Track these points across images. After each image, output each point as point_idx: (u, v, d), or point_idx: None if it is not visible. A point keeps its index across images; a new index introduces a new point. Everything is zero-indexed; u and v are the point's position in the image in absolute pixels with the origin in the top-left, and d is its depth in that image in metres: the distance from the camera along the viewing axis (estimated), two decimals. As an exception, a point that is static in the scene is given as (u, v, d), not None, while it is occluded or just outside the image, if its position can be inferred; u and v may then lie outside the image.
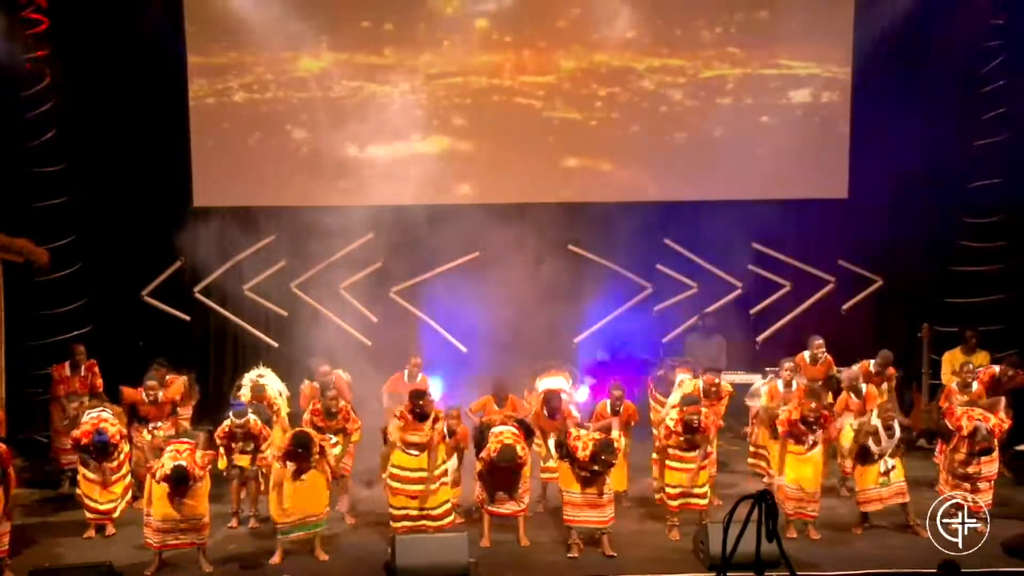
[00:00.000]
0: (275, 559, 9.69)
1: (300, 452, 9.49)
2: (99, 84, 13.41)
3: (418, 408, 9.95)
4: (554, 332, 13.74)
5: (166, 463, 9.30)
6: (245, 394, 11.06)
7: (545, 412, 10.75)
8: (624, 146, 14.31)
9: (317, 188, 13.95)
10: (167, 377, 11.41)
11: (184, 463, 9.25)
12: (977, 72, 13.86)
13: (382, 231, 13.98)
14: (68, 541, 10.29)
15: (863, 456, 10.25)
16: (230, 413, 10.45)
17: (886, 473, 10.17)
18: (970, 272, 13.99)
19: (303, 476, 9.54)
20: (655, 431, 11.03)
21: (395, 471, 9.96)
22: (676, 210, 14.11)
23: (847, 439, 11.24)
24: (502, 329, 13.53)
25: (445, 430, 10.17)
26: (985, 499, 10.19)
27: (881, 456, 10.18)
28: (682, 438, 10.16)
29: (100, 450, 10.19)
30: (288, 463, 9.52)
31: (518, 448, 9.76)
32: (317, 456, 9.59)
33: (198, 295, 14.17)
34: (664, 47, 14.17)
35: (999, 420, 10.47)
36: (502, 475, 9.86)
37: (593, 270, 14.32)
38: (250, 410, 10.47)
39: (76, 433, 10.31)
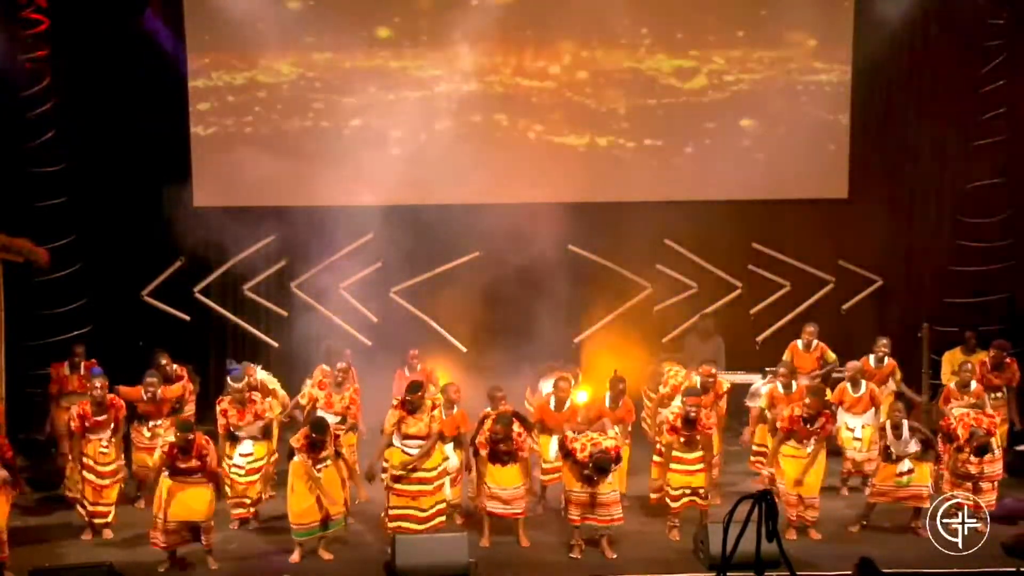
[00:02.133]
0: (294, 558, 9.74)
1: (316, 437, 9.54)
2: (99, 84, 13.40)
3: (409, 404, 9.96)
4: (554, 332, 13.72)
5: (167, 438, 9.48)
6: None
7: (552, 404, 10.78)
8: (624, 146, 14.30)
9: (317, 188, 13.93)
10: (173, 368, 11.52)
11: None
12: (977, 72, 13.86)
13: (382, 231, 13.97)
14: (68, 541, 10.30)
15: (885, 453, 10.27)
16: (228, 379, 10.63)
17: (901, 475, 10.18)
18: (970, 272, 13.98)
19: (320, 471, 9.55)
20: (645, 426, 11.04)
21: (396, 472, 9.97)
22: (676, 210, 14.09)
23: (847, 440, 11.27)
24: (502, 329, 13.53)
25: (441, 409, 10.25)
26: (987, 499, 10.21)
27: (900, 457, 10.18)
28: (681, 436, 10.14)
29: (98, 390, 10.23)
30: (307, 454, 9.55)
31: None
32: (332, 449, 9.67)
33: (198, 295, 14.17)
34: (664, 48, 14.16)
35: (990, 418, 10.50)
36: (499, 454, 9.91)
37: (593, 270, 14.32)
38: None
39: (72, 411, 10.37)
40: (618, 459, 9.92)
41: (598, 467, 9.58)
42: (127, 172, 13.58)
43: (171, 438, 9.44)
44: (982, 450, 10.21)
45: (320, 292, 14.12)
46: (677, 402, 10.62)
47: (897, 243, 14.26)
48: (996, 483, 10.46)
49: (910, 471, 10.16)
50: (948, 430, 10.36)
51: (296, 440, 9.72)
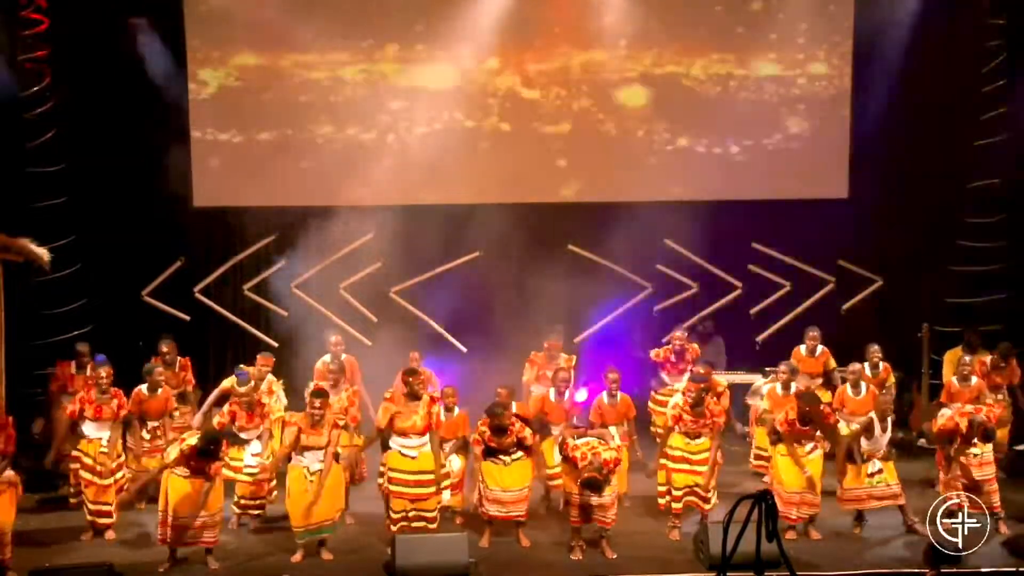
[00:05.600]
0: (296, 557, 9.74)
1: (316, 410, 9.60)
2: (99, 84, 13.40)
3: (409, 387, 9.95)
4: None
5: (187, 439, 9.46)
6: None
7: (552, 396, 10.77)
8: (624, 146, 14.31)
9: (317, 188, 13.95)
10: (179, 359, 11.76)
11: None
12: (977, 72, 13.85)
13: (382, 231, 13.98)
14: (68, 542, 10.29)
15: (849, 456, 10.22)
16: (235, 384, 10.62)
17: (871, 475, 10.16)
18: (970, 272, 13.98)
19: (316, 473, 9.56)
20: (653, 430, 11.04)
21: (393, 474, 9.97)
22: (676, 210, 14.09)
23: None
24: (502, 329, 13.52)
25: (442, 411, 10.21)
26: (992, 501, 10.21)
27: (869, 457, 10.17)
28: (687, 424, 10.12)
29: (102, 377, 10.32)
30: (309, 429, 9.60)
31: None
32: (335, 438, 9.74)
33: (198, 295, 14.18)
34: (663, 48, 14.16)
35: (988, 407, 10.48)
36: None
37: (593, 270, 14.32)
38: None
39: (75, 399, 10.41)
40: (617, 463, 9.91)
41: (588, 486, 9.55)
42: (127, 172, 13.57)
43: (193, 441, 9.40)
44: (989, 435, 10.17)
45: (320, 292, 14.12)
46: (678, 398, 10.62)
47: (897, 243, 14.26)
48: (996, 483, 10.42)
49: (879, 471, 10.16)
50: (944, 430, 10.33)
51: (292, 417, 9.81)
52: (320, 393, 9.84)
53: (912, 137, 14.01)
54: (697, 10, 14.17)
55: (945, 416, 10.41)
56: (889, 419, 10.27)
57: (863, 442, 10.18)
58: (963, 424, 10.15)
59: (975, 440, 10.17)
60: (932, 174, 13.96)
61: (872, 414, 10.31)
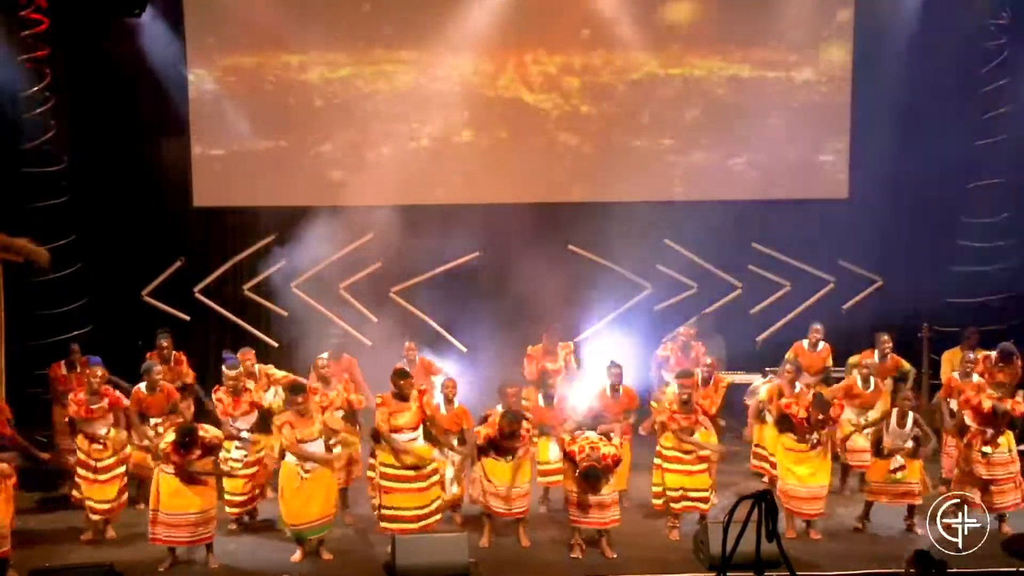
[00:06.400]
0: (296, 557, 9.75)
1: (297, 390, 9.64)
2: (98, 84, 13.42)
3: (399, 389, 9.94)
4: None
5: (166, 436, 9.51)
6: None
7: (541, 401, 10.77)
8: (624, 146, 14.31)
9: (317, 188, 13.95)
10: (174, 354, 11.75)
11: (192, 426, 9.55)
12: (977, 72, 13.86)
13: (382, 231, 13.98)
14: (68, 542, 10.30)
15: (876, 448, 10.25)
16: (223, 368, 10.64)
17: (894, 471, 10.17)
18: (970, 272, 13.98)
19: (311, 471, 9.54)
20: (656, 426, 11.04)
21: (386, 470, 9.96)
22: (676, 210, 14.11)
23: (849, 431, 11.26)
24: (502, 329, 13.53)
25: (441, 402, 10.17)
26: (1009, 500, 10.21)
27: (892, 452, 10.17)
28: (680, 416, 10.14)
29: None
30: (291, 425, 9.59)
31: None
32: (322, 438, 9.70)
33: (198, 295, 14.18)
34: (663, 47, 14.17)
35: (1014, 401, 10.46)
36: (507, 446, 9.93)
37: (593, 270, 14.32)
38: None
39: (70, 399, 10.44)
40: (617, 462, 9.91)
41: (586, 476, 9.56)
42: (127, 172, 13.59)
43: (170, 438, 9.44)
44: (1014, 423, 10.18)
45: (320, 292, 14.12)
46: (670, 394, 10.62)
47: (897, 243, 14.26)
48: (1008, 485, 10.33)
49: (901, 467, 10.16)
50: (970, 404, 10.23)
51: (279, 418, 9.80)
52: (296, 388, 9.81)
53: (912, 137, 14.00)
54: (698, 12, 14.18)
55: (970, 398, 10.38)
56: (910, 416, 10.24)
57: (890, 433, 10.18)
58: (987, 405, 10.11)
59: (994, 429, 10.13)
60: (932, 174, 13.94)
61: (892, 411, 10.34)
